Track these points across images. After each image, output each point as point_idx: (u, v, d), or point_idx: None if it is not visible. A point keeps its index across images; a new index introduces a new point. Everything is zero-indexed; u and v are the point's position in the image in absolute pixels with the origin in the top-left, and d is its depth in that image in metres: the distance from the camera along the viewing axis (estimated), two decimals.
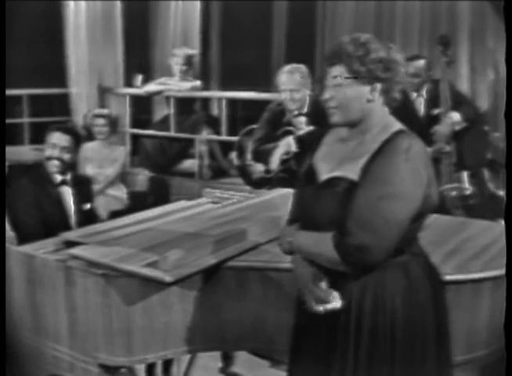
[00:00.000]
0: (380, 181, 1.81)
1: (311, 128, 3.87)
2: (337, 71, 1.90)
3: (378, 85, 1.89)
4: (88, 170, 5.05)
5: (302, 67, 3.99)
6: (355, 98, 1.90)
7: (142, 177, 5.47)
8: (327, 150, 2.04)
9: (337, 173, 1.93)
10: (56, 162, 3.39)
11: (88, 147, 5.15)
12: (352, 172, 1.88)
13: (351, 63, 1.87)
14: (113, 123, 5.35)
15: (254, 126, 4.27)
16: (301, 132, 3.89)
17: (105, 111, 5.61)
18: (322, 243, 1.87)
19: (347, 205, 1.84)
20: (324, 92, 1.95)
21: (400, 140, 1.86)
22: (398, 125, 1.94)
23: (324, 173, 1.98)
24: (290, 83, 3.91)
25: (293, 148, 3.86)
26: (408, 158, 1.82)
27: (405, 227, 1.84)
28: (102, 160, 5.20)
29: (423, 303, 1.92)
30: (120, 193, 5.21)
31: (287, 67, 4.00)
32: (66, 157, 3.41)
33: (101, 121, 5.24)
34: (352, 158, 1.92)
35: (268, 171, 3.99)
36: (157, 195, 5.62)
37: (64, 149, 3.40)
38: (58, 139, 3.39)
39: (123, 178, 5.34)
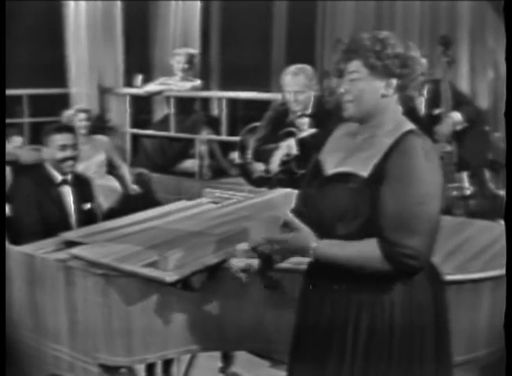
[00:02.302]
0: (410, 184, 1.81)
1: (313, 130, 3.86)
2: (354, 66, 1.91)
3: (394, 81, 1.90)
4: (79, 168, 5.08)
5: (307, 68, 3.96)
6: (370, 92, 1.91)
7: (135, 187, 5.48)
8: (334, 144, 2.04)
9: (345, 168, 1.92)
10: (71, 162, 3.46)
11: None
12: (362, 168, 1.88)
13: (368, 57, 1.89)
14: (94, 119, 5.40)
15: (257, 124, 4.26)
16: (302, 134, 3.88)
17: (86, 107, 5.66)
18: (365, 252, 1.85)
19: (362, 205, 1.85)
20: (340, 86, 1.97)
21: (414, 140, 1.87)
22: (409, 125, 1.94)
23: (330, 167, 1.98)
24: (295, 84, 3.88)
25: (294, 150, 3.84)
26: (428, 158, 1.83)
27: (440, 223, 1.88)
28: (86, 156, 5.21)
29: (422, 303, 1.92)
30: (113, 183, 5.23)
31: (292, 68, 3.97)
32: (76, 153, 3.50)
33: (83, 115, 5.29)
34: (362, 153, 1.92)
35: (267, 171, 3.98)
36: (145, 193, 5.62)
37: (73, 146, 3.47)
38: (66, 139, 3.44)
39: (111, 171, 5.35)
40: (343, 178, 1.91)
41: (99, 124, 5.44)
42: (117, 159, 5.44)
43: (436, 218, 1.86)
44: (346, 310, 1.92)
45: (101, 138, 5.45)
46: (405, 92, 1.92)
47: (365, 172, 1.87)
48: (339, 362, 1.92)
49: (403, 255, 1.81)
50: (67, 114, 5.57)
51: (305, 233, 1.92)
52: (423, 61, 1.94)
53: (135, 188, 5.37)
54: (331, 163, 1.98)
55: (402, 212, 1.81)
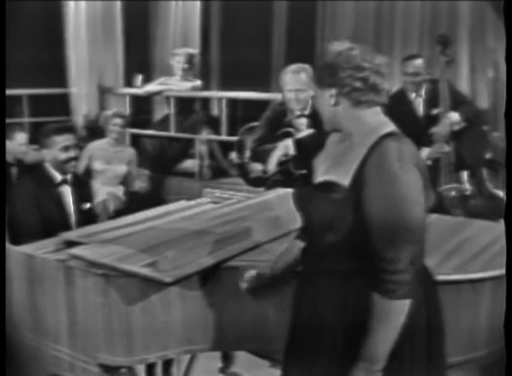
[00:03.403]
0: (386, 199, 1.79)
1: (311, 131, 3.84)
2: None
3: (332, 90, 1.89)
4: (96, 166, 5.10)
5: (307, 67, 3.94)
6: (322, 104, 1.94)
7: (142, 184, 5.46)
8: (326, 151, 2.04)
9: (329, 177, 1.92)
10: (73, 162, 3.49)
11: (96, 146, 5.20)
12: (343, 177, 1.87)
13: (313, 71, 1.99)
14: (128, 123, 5.43)
15: (255, 124, 4.25)
16: (300, 135, 3.86)
17: (124, 112, 5.68)
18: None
19: (347, 214, 1.84)
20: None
21: (388, 145, 1.83)
22: (389, 127, 1.91)
23: (319, 175, 1.99)
24: (296, 83, 3.84)
25: (291, 151, 3.83)
26: (403, 165, 1.80)
27: (425, 227, 1.86)
28: (110, 158, 5.23)
29: (412, 303, 1.92)
30: (120, 192, 5.24)
31: (292, 67, 3.95)
32: (77, 152, 3.54)
33: (119, 120, 5.27)
34: (343, 161, 1.91)
35: (265, 172, 3.97)
36: (154, 195, 5.63)
37: (75, 146, 3.49)
38: (67, 140, 3.45)
39: (125, 178, 5.35)
40: (327, 187, 1.91)
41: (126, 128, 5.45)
42: (135, 172, 5.41)
43: (420, 222, 1.82)
44: (337, 310, 1.92)
45: (129, 149, 5.46)
46: (354, 98, 1.89)
47: (346, 181, 1.87)
48: (331, 362, 1.92)
49: (402, 270, 1.79)
50: (104, 115, 5.58)
51: None
52: (375, 62, 1.91)
53: (142, 185, 5.36)
54: (320, 171, 2.00)
55: (388, 230, 1.79)
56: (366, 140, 1.88)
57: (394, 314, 1.82)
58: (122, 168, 5.26)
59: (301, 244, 2.14)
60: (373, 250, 1.82)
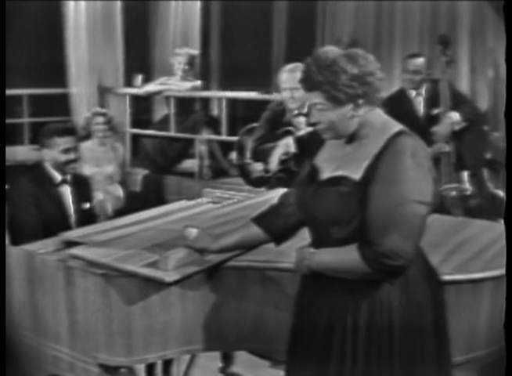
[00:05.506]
0: (393, 185, 1.81)
1: (310, 128, 3.86)
2: (316, 97, 1.89)
3: (360, 101, 1.87)
4: (86, 170, 5.08)
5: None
6: (340, 119, 1.90)
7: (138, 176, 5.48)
8: (330, 150, 2.04)
9: (339, 172, 1.93)
10: (73, 164, 3.50)
11: (83, 147, 5.19)
12: (354, 172, 1.89)
13: (327, 90, 1.85)
14: (110, 122, 5.42)
15: (255, 125, 4.26)
16: (300, 133, 3.88)
17: (103, 110, 5.67)
18: (346, 257, 1.87)
19: (356, 208, 1.85)
20: (310, 115, 1.97)
21: (404, 141, 1.86)
22: (397, 125, 1.93)
23: (326, 173, 1.98)
24: (292, 81, 3.87)
25: (292, 149, 3.84)
26: (416, 160, 1.83)
27: (424, 226, 1.86)
28: (98, 159, 5.23)
29: (420, 303, 1.93)
30: (118, 191, 5.23)
31: (289, 66, 4.00)
32: (77, 155, 3.54)
33: (100, 119, 5.29)
34: (355, 158, 1.92)
35: (267, 171, 3.98)
36: (152, 194, 5.63)
37: (75, 149, 3.50)
38: (68, 142, 3.46)
39: (121, 177, 5.35)
40: (336, 182, 1.92)
41: (111, 127, 5.46)
42: (122, 172, 5.42)
43: (419, 218, 1.83)
44: (343, 310, 1.92)
45: (118, 147, 5.45)
46: (372, 102, 1.90)
47: (357, 175, 1.88)
48: (336, 362, 1.93)
49: (380, 254, 1.81)
50: (85, 116, 5.59)
51: (306, 248, 1.97)
52: (376, 63, 1.91)
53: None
54: (327, 169, 1.99)
55: (382, 212, 1.81)
56: (380, 137, 1.89)
57: (355, 270, 1.86)
58: (112, 168, 5.26)
59: (256, 229, 2.19)
60: (365, 239, 1.84)
